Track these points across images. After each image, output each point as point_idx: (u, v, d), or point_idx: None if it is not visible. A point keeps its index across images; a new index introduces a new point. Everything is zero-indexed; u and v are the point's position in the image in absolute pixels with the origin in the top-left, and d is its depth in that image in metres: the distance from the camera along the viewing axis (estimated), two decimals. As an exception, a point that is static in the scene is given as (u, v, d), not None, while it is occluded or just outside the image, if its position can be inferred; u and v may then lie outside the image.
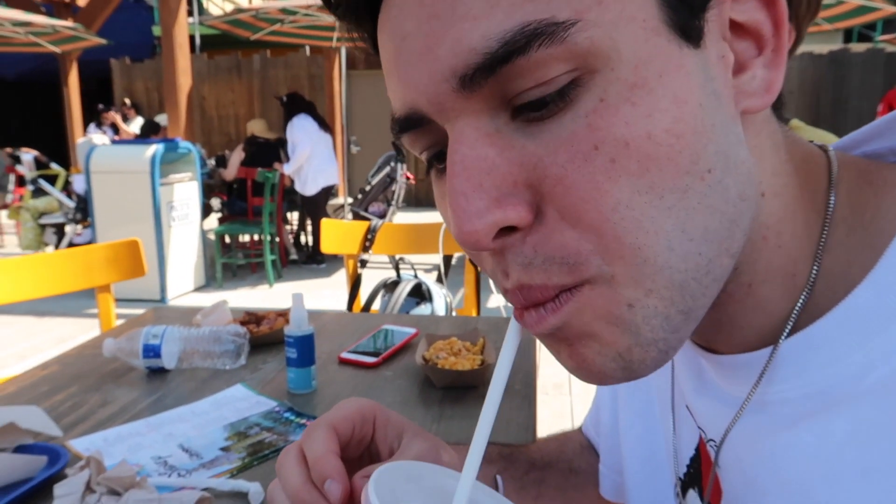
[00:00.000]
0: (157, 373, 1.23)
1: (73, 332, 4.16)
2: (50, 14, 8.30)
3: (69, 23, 7.51)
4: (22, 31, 7.29)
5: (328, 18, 6.31)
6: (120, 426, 1.01)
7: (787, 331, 0.36)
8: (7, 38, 7.41)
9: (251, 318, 1.40)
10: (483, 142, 0.32)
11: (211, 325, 1.33)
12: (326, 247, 2.12)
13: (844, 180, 0.37)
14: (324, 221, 2.16)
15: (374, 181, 6.00)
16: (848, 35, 11.28)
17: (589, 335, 0.34)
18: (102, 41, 7.84)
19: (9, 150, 6.77)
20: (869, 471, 0.31)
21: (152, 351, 1.21)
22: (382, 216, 5.95)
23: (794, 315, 0.36)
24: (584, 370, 0.35)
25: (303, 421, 1.01)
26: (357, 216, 5.81)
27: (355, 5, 0.36)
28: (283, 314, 1.41)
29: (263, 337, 1.32)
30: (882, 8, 5.49)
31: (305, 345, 1.12)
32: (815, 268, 0.36)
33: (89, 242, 5.03)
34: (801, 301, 0.36)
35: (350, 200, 6.16)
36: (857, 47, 9.94)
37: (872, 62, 9.54)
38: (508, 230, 0.32)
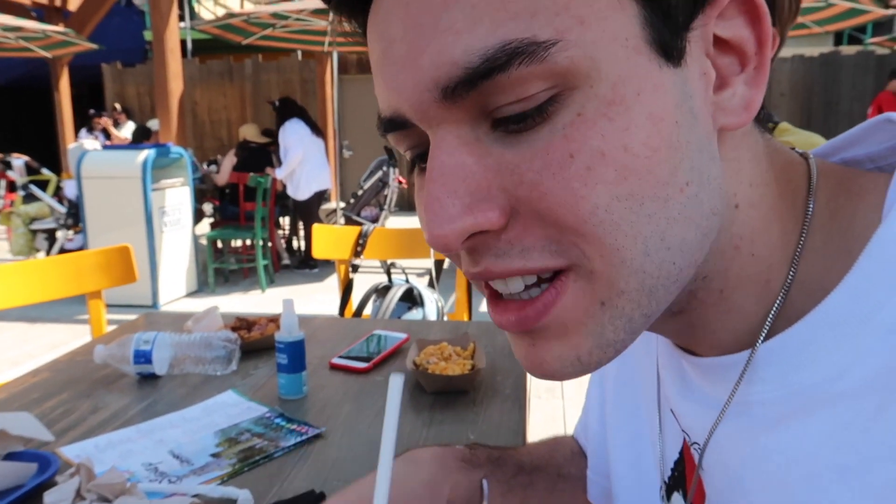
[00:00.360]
0: (148, 379, 1.23)
1: (65, 338, 4.14)
2: (41, 19, 8.27)
3: (60, 28, 7.49)
4: (12, 36, 7.27)
5: (320, 23, 6.32)
6: (111, 433, 1.01)
7: (763, 334, 0.37)
8: (-2, 43, 7.39)
9: (242, 324, 1.40)
10: (462, 150, 0.33)
11: (202, 331, 1.33)
12: (318, 252, 2.13)
13: (823, 188, 0.38)
14: (315, 227, 2.16)
15: (367, 185, 6.00)
16: (838, 37, 11.36)
17: (559, 335, 0.35)
18: (94, 46, 7.82)
19: (2, 155, 6.74)
20: (846, 471, 0.32)
21: (143, 357, 1.22)
22: (375, 220, 5.95)
23: (770, 319, 0.37)
24: (537, 369, 0.37)
25: (293, 427, 1.02)
26: (350, 221, 5.80)
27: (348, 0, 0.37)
28: (274, 320, 1.41)
29: (254, 342, 1.33)
30: (872, 10, 5.53)
31: (296, 350, 1.12)
32: (790, 274, 0.37)
33: (81, 248, 5.02)
34: (776, 306, 0.37)
35: (342, 205, 6.15)
36: (848, 50, 10.01)
37: (863, 64, 9.61)
38: (480, 232, 0.34)
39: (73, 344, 4.01)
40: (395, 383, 0.34)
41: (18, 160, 6.51)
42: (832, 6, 5.41)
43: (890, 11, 5.77)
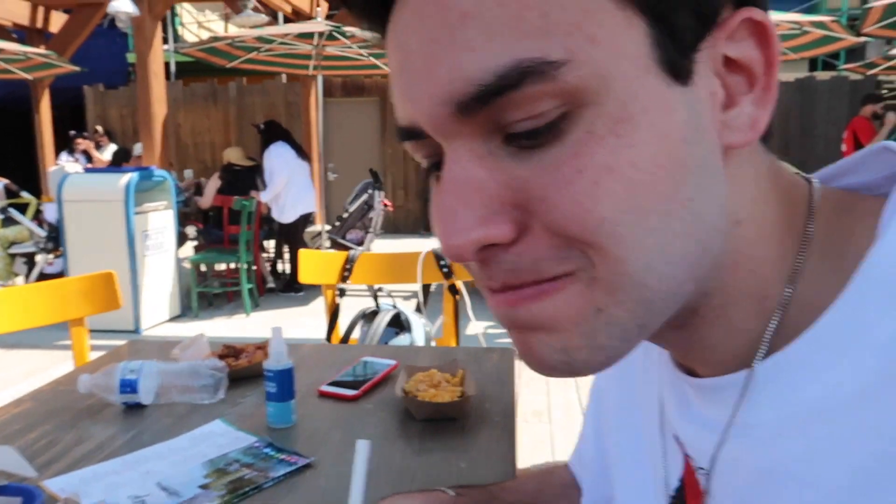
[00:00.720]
0: (134, 408, 1.21)
1: (44, 364, 4.07)
2: (22, 41, 8.24)
3: (42, 50, 7.46)
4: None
5: (305, 47, 6.36)
6: (96, 465, 0.99)
7: (761, 353, 0.38)
8: (-22, 65, 7.35)
9: (230, 352, 1.39)
10: (475, 163, 0.34)
11: (189, 359, 1.32)
12: (304, 277, 2.12)
13: (823, 209, 0.39)
14: (301, 252, 2.16)
15: (352, 209, 6.01)
16: (813, 63, 11.62)
17: (548, 328, 0.36)
18: (75, 68, 7.78)
19: (-22, 178, 6.68)
20: (856, 493, 0.33)
21: (129, 386, 1.20)
22: (360, 243, 5.95)
23: (766, 337, 0.38)
24: (528, 357, 0.38)
25: (283, 457, 1.01)
26: (335, 244, 5.80)
27: (367, 7, 0.38)
28: (262, 347, 1.40)
29: (242, 370, 1.32)
30: (844, 38, 5.68)
31: (285, 379, 1.12)
32: (787, 291, 0.38)
33: (61, 272, 4.95)
34: (773, 323, 0.38)
35: (328, 228, 6.15)
36: (822, 75, 10.24)
37: (837, 90, 9.84)
38: (492, 245, 0.34)
39: (52, 370, 3.94)
40: (362, 449, 0.34)
41: (-2, 183, 6.45)
42: (806, 33, 5.55)
43: (861, 39, 5.94)
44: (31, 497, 0.86)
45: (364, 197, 6.11)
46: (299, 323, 4.91)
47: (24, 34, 8.64)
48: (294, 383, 1.13)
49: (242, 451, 1.03)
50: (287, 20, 8.56)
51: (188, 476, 0.95)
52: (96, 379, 1.22)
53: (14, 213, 5.89)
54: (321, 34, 5.80)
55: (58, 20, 8.82)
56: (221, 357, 1.35)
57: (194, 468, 0.98)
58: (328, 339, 2.12)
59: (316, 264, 2.15)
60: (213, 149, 10.58)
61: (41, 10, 8.63)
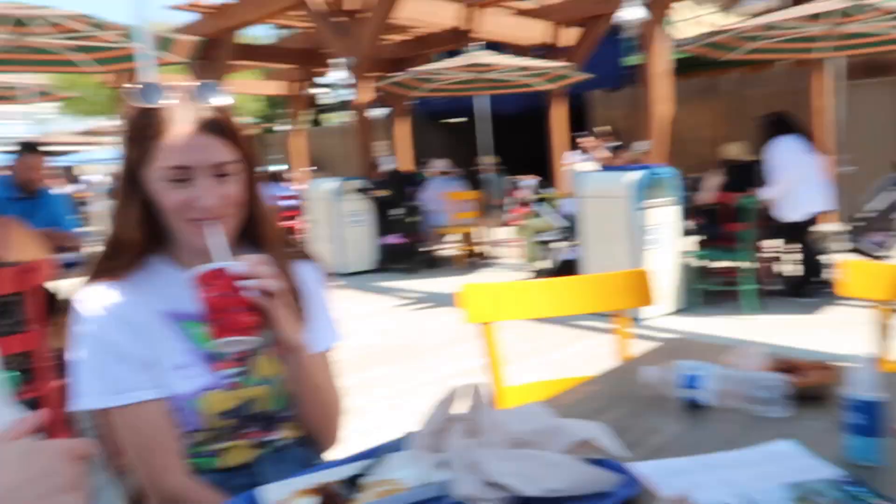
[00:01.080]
0: (693, 408, 1.25)
1: (568, 340, 4.68)
2: (542, 57, 9.57)
3: (562, 63, 8.52)
4: (523, 73, 8.57)
5: (813, 28, 5.74)
6: (670, 459, 1.05)
7: None
8: (507, 81, 8.81)
9: (785, 366, 1.32)
10: None
11: (744, 368, 1.30)
12: (851, 289, 1.89)
13: None
14: (847, 261, 1.93)
15: (875, 207, 5.19)
16: None
17: None
18: (586, 76, 8.66)
19: (512, 177, 8.05)
20: None
21: (691, 384, 1.25)
22: (881, 247, 5.11)
23: None
24: None
25: (877, 502, 0.90)
26: (853, 249, 5.11)
27: None
28: (826, 367, 1.29)
29: (807, 390, 1.23)
30: None
31: (874, 412, 1.00)
32: None
33: (576, 260, 5.58)
34: None
35: (842, 228, 5.46)
36: None
37: None
38: None
39: (575, 345, 4.53)
40: None
41: (530, 181, 7.65)
42: None
43: None
44: (631, 480, 0.95)
45: (888, 194, 5.22)
46: (806, 333, 4.44)
47: (544, 51, 10.02)
48: (885, 419, 1.00)
49: (827, 482, 0.96)
50: (795, 2, 7.87)
51: (772, 495, 0.93)
52: (657, 372, 1.31)
53: (539, 207, 6.90)
54: (840, 11, 5.15)
55: (565, 35, 9.99)
56: (779, 371, 1.29)
57: (775, 489, 0.94)
58: (877, 362, 1.85)
59: (866, 276, 1.89)
60: (708, 143, 10.46)
61: (555, 27, 9.90)
